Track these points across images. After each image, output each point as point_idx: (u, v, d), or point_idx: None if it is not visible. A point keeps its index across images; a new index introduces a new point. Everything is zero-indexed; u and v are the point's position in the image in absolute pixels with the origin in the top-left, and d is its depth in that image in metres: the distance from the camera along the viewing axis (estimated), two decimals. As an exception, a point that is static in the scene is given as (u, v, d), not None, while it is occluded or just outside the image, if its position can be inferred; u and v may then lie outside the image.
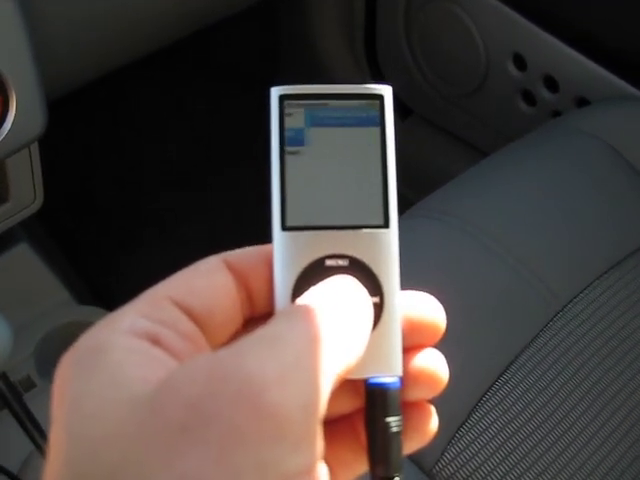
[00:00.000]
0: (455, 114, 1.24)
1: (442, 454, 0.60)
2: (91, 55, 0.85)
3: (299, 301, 0.26)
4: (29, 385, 0.84)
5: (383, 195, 0.29)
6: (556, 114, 1.05)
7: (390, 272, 0.28)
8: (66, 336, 0.90)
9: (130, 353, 0.24)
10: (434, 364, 0.28)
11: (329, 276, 0.27)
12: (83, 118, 1.41)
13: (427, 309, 0.29)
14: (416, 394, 0.28)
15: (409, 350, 0.29)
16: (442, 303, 0.74)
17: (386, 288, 0.28)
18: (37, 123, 0.66)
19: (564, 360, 0.66)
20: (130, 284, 1.25)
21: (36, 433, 0.74)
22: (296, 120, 0.29)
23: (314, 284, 0.27)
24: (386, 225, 0.28)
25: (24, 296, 0.90)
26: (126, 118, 1.47)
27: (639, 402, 0.66)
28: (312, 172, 0.29)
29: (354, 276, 0.28)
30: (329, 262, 0.28)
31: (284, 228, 0.28)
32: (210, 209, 1.39)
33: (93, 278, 1.23)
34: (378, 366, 0.27)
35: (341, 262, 0.28)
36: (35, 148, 0.76)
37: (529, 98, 1.09)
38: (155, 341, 0.25)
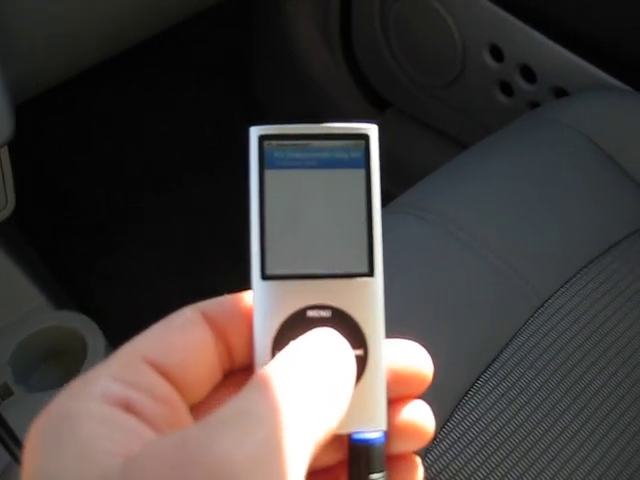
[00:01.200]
0: (433, 106, 1.23)
1: (426, 454, 0.60)
2: (64, 54, 0.83)
3: (275, 362, 0.25)
4: (6, 393, 0.82)
5: (368, 242, 0.27)
6: (534, 105, 1.05)
7: (375, 323, 0.27)
8: (43, 342, 0.88)
9: (101, 423, 0.23)
10: (421, 417, 0.28)
11: (311, 328, 0.26)
12: (58, 117, 1.40)
13: (414, 359, 0.28)
14: (402, 447, 0.28)
15: (395, 401, 0.28)
16: (422, 302, 0.72)
17: (370, 340, 0.27)
18: (4, 130, 0.65)
19: (547, 356, 0.65)
20: (109, 286, 1.24)
21: (12, 444, 0.73)
22: (277, 162, 0.27)
23: (295, 337, 0.26)
24: (371, 273, 0.27)
25: (-1, 302, 0.89)
26: (102, 117, 1.46)
27: (622, 396, 0.65)
28: (293, 217, 0.27)
29: (337, 327, 0.27)
30: (311, 313, 0.27)
31: (264, 277, 0.27)
32: (189, 208, 1.37)
33: (71, 281, 1.22)
34: (362, 421, 0.27)
35: (323, 313, 0.27)
36: (5, 153, 0.75)
37: (507, 89, 1.08)
38: (128, 407, 0.24)
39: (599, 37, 0.95)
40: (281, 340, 0.26)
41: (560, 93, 1.00)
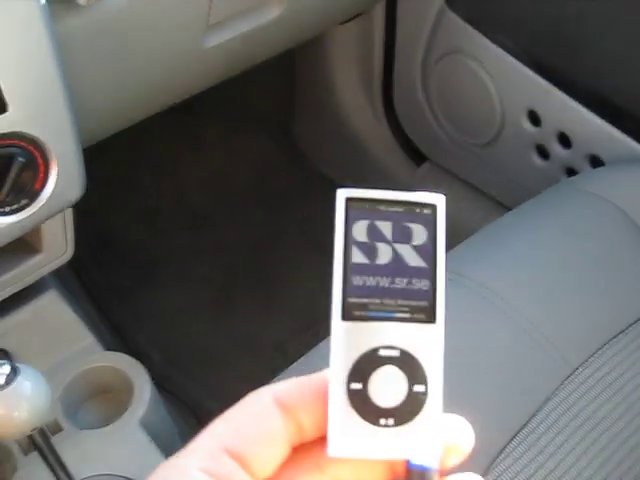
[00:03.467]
0: (469, 163, 1.27)
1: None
2: (123, 111, 0.88)
3: None
4: (56, 429, 0.86)
5: (432, 292, 0.32)
6: (569, 169, 1.08)
7: (435, 364, 0.31)
8: (91, 380, 0.93)
9: None
10: None
11: (382, 365, 0.31)
12: (101, 158, 1.45)
13: (457, 433, 0.31)
14: None
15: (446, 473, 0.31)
16: (455, 366, 0.75)
17: (431, 378, 0.31)
18: (76, 188, 0.69)
19: (575, 424, 0.68)
20: (147, 323, 1.27)
21: (64, 477, 0.77)
22: (358, 218, 0.32)
23: (368, 372, 0.31)
24: (433, 320, 0.31)
25: (52, 341, 0.93)
26: (144, 157, 1.51)
27: (646, 466, 0.68)
28: (371, 268, 0.32)
29: (403, 366, 0.31)
30: (382, 352, 0.31)
31: (344, 318, 0.31)
32: (225, 248, 1.42)
33: (112, 318, 1.26)
34: (420, 448, 0.31)
35: (393, 353, 0.31)
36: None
37: (543, 152, 1.11)
38: None
39: (635, 109, 0.99)
40: (355, 374, 0.31)
41: (595, 160, 1.03)
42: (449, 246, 0.90)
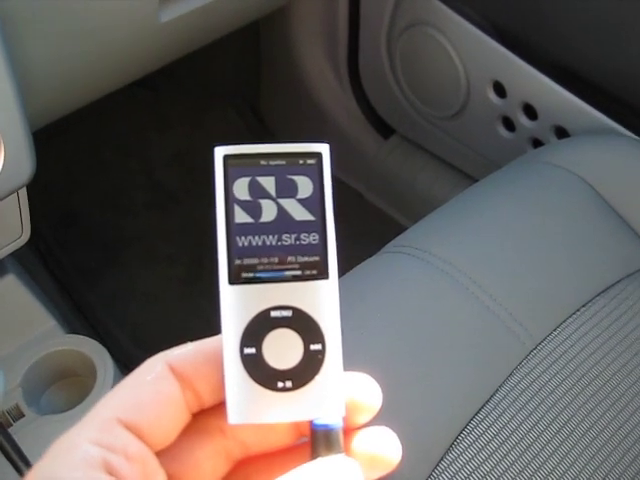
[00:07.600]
0: (436, 135, 1.26)
1: (419, 494, 0.62)
2: (76, 88, 0.86)
3: None
4: (18, 415, 0.85)
5: (322, 247, 0.30)
6: (535, 140, 1.08)
7: (331, 320, 0.30)
8: (53, 365, 0.91)
9: None
10: (383, 446, 0.30)
11: (275, 327, 0.30)
12: (64, 136, 1.42)
13: (363, 392, 0.30)
14: (367, 475, 0.29)
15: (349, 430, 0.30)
16: (417, 341, 0.75)
17: (328, 335, 0.30)
18: (25, 170, 0.68)
19: (537, 398, 0.68)
20: (114, 304, 1.26)
21: (22, 465, 0.76)
22: (240, 176, 0.31)
23: (261, 335, 0.30)
24: (326, 276, 0.30)
25: (12, 326, 0.92)
26: (108, 136, 1.49)
27: (608, 438, 0.68)
28: (256, 227, 0.31)
29: (297, 325, 0.30)
30: (274, 313, 0.30)
31: (230, 282, 0.30)
32: (193, 227, 1.40)
33: (77, 300, 1.25)
34: (322, 408, 0.30)
35: (285, 313, 0.30)
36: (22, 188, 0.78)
37: (509, 124, 1.11)
38: (109, 470, 0.27)
39: (600, 80, 0.98)
40: (247, 338, 0.30)
41: (561, 132, 1.03)
42: (416, 219, 0.89)
